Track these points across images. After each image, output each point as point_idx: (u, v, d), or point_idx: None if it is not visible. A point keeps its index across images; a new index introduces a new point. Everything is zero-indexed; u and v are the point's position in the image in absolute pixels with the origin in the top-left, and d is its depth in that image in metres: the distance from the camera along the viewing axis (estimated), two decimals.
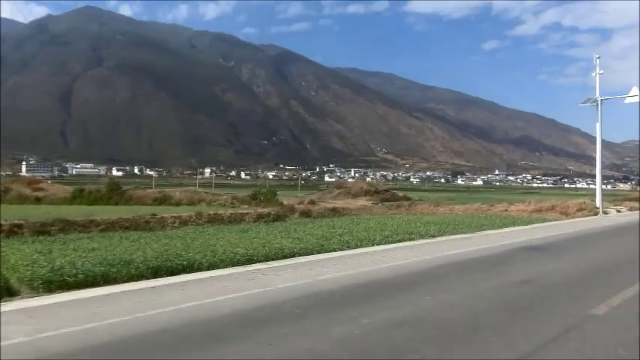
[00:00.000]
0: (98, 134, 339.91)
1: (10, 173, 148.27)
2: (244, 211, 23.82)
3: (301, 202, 27.93)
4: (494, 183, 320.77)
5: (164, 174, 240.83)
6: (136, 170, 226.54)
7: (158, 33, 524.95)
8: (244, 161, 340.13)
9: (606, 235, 19.13)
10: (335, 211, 26.95)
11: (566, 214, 26.89)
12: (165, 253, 10.54)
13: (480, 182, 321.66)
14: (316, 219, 23.78)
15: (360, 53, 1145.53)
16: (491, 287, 8.42)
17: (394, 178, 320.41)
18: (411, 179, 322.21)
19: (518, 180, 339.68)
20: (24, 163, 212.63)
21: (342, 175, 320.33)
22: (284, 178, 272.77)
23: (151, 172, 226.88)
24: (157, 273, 9.18)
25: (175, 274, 9.18)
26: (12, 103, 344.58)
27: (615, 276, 9.66)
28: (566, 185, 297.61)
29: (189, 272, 9.40)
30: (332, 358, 4.87)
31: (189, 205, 27.78)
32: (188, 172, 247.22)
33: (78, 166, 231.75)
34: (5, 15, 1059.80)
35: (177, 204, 27.87)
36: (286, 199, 30.82)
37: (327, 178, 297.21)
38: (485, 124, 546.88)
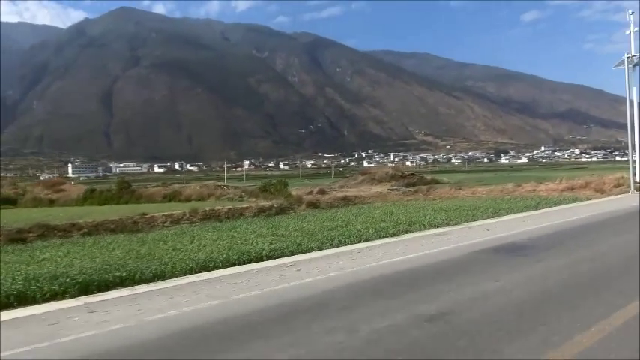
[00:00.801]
0: (140, 133, 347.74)
1: (57, 175, 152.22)
2: (245, 206, 22.19)
3: (310, 193, 25.92)
4: (540, 160, 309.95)
5: (204, 168, 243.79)
6: (177, 166, 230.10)
7: (191, 29, 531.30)
8: (283, 151, 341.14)
9: (623, 221, 15.25)
10: (346, 200, 25.02)
11: (601, 191, 24.24)
12: (107, 262, 8.93)
13: (524, 160, 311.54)
14: (324, 210, 22.15)
15: (395, 35, 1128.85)
16: (372, 331, 5.28)
17: (435, 161, 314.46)
18: (453, 161, 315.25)
19: (566, 155, 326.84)
20: (70, 165, 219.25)
21: (380, 161, 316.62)
22: (322, 166, 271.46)
23: (192, 168, 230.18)
24: (86, 289, 7.55)
25: (109, 289, 7.60)
26: (57, 108, 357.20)
27: (599, 296, 6.51)
28: (617, 158, 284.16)
29: (128, 285, 7.86)
30: None
31: (199, 200, 26.67)
32: (227, 166, 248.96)
33: (121, 165, 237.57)
34: (45, 22, 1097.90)
35: (187, 200, 26.87)
36: (297, 189, 28.85)
37: (365, 164, 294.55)
38: (528, 99, 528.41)
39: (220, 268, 8.99)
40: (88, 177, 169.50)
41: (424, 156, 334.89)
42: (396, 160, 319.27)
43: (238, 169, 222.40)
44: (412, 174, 49.43)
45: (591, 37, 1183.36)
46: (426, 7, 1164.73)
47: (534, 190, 25.72)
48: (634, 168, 28.83)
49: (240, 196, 26.41)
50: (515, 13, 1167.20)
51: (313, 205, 23.51)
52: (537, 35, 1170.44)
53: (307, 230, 13.48)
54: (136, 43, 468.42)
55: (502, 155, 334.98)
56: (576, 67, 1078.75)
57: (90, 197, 30.54)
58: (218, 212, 20.90)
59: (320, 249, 10.79)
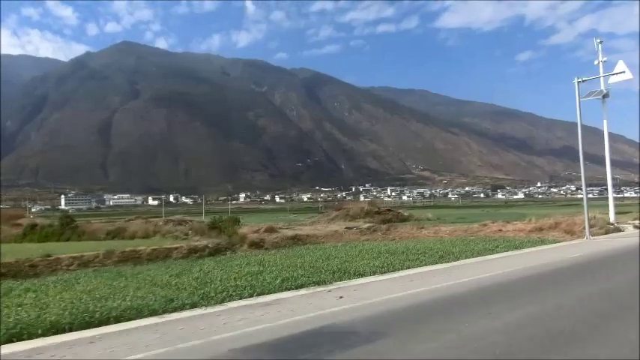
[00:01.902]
0: (137, 165, 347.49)
1: (50, 207, 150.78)
2: (175, 246, 20.25)
3: (257, 231, 24.57)
4: (536, 196, 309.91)
5: (198, 201, 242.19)
6: (171, 198, 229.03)
7: (192, 63, 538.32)
8: (280, 185, 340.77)
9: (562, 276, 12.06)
10: (295, 240, 23.35)
11: (571, 232, 22.93)
12: None
13: (521, 196, 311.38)
14: (267, 250, 20.69)
15: (393, 72, 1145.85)
16: None
17: (431, 196, 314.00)
18: (449, 195, 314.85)
19: (562, 191, 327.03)
20: (63, 196, 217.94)
21: (377, 195, 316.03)
22: (318, 200, 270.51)
23: (187, 200, 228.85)
24: None
25: None
26: (54, 139, 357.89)
27: None
28: (613, 195, 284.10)
29: None
30: None
31: (144, 238, 25.01)
32: (223, 198, 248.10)
33: (115, 196, 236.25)
34: (47, 54, 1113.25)
35: (132, 237, 25.18)
36: (252, 226, 27.23)
37: (362, 198, 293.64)
38: (524, 135, 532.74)
39: (37, 336, 7.36)
40: (80, 209, 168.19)
41: (421, 190, 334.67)
42: (393, 194, 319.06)
43: (233, 202, 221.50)
44: (388, 209, 47.87)
45: (585, 77, 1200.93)
46: (423, 46, 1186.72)
47: (500, 231, 24.26)
48: (612, 207, 28.32)
49: (186, 234, 24.83)
50: (510, 53, 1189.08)
51: (256, 244, 21.91)
52: (532, 74, 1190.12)
53: (209, 279, 11.98)
54: (136, 76, 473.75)
55: (498, 191, 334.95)
56: (571, 106, 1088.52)
57: (30, 233, 28.86)
58: (140, 253, 18.82)
59: (193, 306, 9.24)
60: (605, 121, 28.16)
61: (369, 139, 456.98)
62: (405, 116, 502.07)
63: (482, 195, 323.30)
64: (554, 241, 20.81)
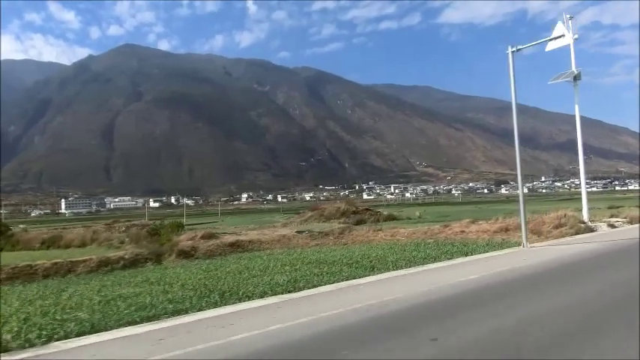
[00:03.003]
0: (140, 167, 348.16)
1: (49, 211, 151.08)
2: (83, 258, 17.67)
3: (193, 238, 22.78)
4: (540, 190, 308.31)
5: (200, 202, 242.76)
6: (172, 200, 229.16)
7: (194, 64, 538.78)
8: (283, 184, 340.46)
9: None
10: (235, 247, 21.45)
11: (538, 232, 20.51)
12: None
13: (525, 191, 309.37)
14: (198, 259, 18.85)
15: (396, 68, 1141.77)
16: None
17: (435, 192, 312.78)
18: (453, 192, 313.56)
19: (566, 185, 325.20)
20: (63, 200, 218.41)
21: (381, 192, 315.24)
22: (321, 198, 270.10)
23: (189, 201, 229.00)
24: None
25: None
26: (57, 143, 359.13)
27: None
28: (617, 188, 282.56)
29: None
30: None
31: (80, 247, 23.41)
32: (225, 199, 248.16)
33: (116, 199, 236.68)
34: (51, 59, 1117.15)
35: (68, 246, 23.49)
36: (188, 234, 24.77)
37: (365, 196, 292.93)
38: (528, 130, 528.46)
39: None
40: (79, 212, 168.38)
41: (424, 187, 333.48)
42: (396, 191, 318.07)
43: (235, 202, 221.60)
44: (366, 209, 46.18)
45: (589, 70, 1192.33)
46: (426, 42, 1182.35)
47: (462, 232, 21.96)
48: (586, 202, 24.61)
49: (122, 242, 23.24)
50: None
51: (186, 254, 19.79)
52: (536, 68, 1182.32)
53: (31, 311, 9.80)
54: (138, 78, 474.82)
55: (502, 186, 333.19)
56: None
57: None
58: (35, 268, 16.01)
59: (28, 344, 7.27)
60: (576, 106, 25.17)
61: (373, 137, 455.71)
62: (408, 113, 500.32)
63: (485, 190, 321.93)
64: (505, 245, 18.09)
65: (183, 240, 22.08)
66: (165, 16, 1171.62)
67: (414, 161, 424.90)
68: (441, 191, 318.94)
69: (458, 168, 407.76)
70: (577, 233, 20.64)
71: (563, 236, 19.73)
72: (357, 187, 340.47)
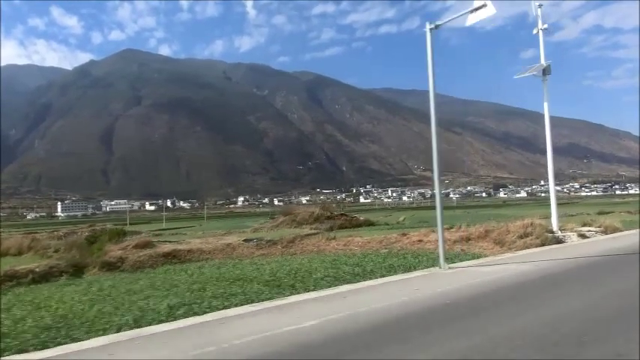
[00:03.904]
0: (138, 170, 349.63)
1: (45, 214, 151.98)
2: None
3: (125, 247, 20.67)
4: (539, 194, 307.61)
5: (196, 205, 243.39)
6: (168, 203, 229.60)
7: (194, 68, 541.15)
8: (281, 187, 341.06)
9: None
10: (170, 257, 19.50)
11: (501, 243, 18.52)
12: None
13: (523, 194, 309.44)
14: (124, 272, 17.12)
15: (395, 72, 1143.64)
16: None
17: (432, 196, 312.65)
18: (451, 195, 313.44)
19: (565, 190, 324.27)
20: (59, 203, 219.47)
21: (378, 196, 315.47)
22: (318, 202, 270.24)
23: (184, 204, 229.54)
24: None
25: None
26: (56, 147, 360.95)
27: None
28: (617, 192, 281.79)
29: None
30: None
31: (16, 255, 21.07)
32: (221, 202, 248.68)
33: (112, 202, 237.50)
34: (53, 64, 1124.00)
35: (4, 254, 20.98)
36: (130, 241, 22.93)
37: (362, 200, 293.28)
38: (527, 134, 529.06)
39: None
40: (75, 215, 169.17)
41: (422, 191, 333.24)
42: (394, 195, 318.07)
43: (231, 205, 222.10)
44: (342, 214, 43.07)
45: (590, 74, 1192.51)
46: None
47: (420, 241, 20.24)
48: (555, 208, 21.81)
49: (56, 250, 20.30)
50: (513, 51, 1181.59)
51: (110, 265, 17.66)
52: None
53: None
54: (138, 83, 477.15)
55: (501, 190, 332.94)
56: (576, 103, 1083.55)
57: None
58: None
59: None
60: (545, 104, 21.84)
61: (371, 141, 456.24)
62: (406, 117, 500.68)
63: (484, 194, 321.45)
64: (479, 256, 16.20)
65: (114, 250, 20.35)
66: (166, 21, 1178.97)
67: (412, 165, 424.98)
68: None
69: (456, 172, 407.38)
70: (543, 244, 18.39)
71: (527, 247, 17.68)
72: (354, 191, 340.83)
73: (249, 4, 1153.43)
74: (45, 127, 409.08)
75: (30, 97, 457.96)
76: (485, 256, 16.16)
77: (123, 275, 16.42)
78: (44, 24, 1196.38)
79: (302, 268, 14.35)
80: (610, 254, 14.93)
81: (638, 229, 22.65)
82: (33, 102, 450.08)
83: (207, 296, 10.71)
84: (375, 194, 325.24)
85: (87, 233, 30.11)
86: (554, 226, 20.99)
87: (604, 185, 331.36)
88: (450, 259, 14.93)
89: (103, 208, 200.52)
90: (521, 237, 18.96)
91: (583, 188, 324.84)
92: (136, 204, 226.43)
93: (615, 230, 22.40)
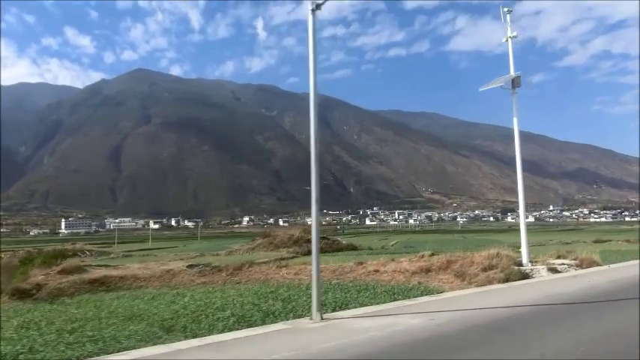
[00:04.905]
0: (145, 189, 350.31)
1: (48, 231, 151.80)
2: None
3: (48, 272, 18.87)
4: (547, 220, 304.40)
5: (200, 225, 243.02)
6: (173, 222, 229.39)
7: (204, 89, 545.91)
8: (287, 208, 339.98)
9: None
10: (99, 284, 17.63)
11: (463, 276, 16.61)
12: None
13: (531, 219, 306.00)
14: (39, 300, 15.54)
15: (403, 95, 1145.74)
16: None
17: (440, 219, 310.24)
18: (458, 219, 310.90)
19: (574, 215, 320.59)
20: (63, 220, 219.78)
21: (385, 218, 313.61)
22: (323, 223, 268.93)
23: (189, 223, 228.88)
24: None
25: None
26: (65, 164, 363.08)
27: None
28: (627, 219, 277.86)
29: None
30: None
31: None
32: (226, 222, 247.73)
33: (117, 220, 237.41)
34: (65, 82, 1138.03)
35: None
36: (63, 265, 20.60)
37: (367, 222, 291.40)
38: (536, 158, 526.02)
39: None
40: (77, 233, 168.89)
41: (429, 214, 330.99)
42: (401, 217, 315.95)
43: (236, 225, 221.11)
44: (323, 237, 42.38)
45: (599, 99, 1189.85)
46: (434, 69, 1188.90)
47: (377, 272, 18.49)
48: (525, 238, 19.16)
49: None
50: (522, 75, 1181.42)
51: (24, 293, 15.97)
52: (545, 96, 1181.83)
53: None
54: (148, 102, 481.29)
55: (509, 214, 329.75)
56: (584, 127, 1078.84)
57: None
58: None
59: None
60: (515, 119, 19.95)
61: (379, 162, 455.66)
62: (414, 139, 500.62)
63: (491, 219, 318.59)
64: (437, 291, 14.36)
65: (37, 275, 18.51)
66: (178, 42, 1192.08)
67: (419, 187, 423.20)
68: (446, 218, 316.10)
69: (464, 195, 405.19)
70: (507, 279, 16.15)
71: (489, 282, 15.67)
72: (360, 212, 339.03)
73: (260, 26, 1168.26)
74: (54, 144, 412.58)
75: (40, 115, 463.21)
76: (442, 291, 14.27)
77: (22, 306, 14.76)
78: (58, 44, 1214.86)
79: (215, 304, 12.85)
80: (562, 301, 11.67)
81: (616, 264, 21.00)
82: (43, 119, 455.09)
83: (65, 341, 9.30)
84: (382, 216, 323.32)
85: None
86: (525, 259, 18.71)
87: (613, 212, 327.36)
88: (394, 293, 13.33)
89: (107, 226, 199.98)
90: (485, 270, 17.01)
91: (592, 214, 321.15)
92: (141, 222, 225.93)
93: (592, 264, 19.92)
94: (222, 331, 9.65)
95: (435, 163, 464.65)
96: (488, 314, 10.16)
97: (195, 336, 9.31)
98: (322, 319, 9.76)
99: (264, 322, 10.21)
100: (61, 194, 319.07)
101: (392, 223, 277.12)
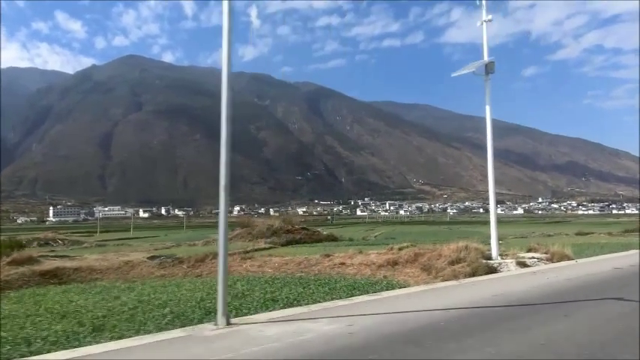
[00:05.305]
0: (135, 177, 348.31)
1: (35, 219, 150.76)
2: None
3: None
4: (536, 212, 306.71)
5: (190, 214, 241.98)
6: (162, 211, 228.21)
7: (195, 76, 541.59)
8: (279, 197, 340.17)
9: None
10: (51, 276, 16.54)
11: (428, 270, 16.02)
12: None
13: (520, 211, 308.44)
14: None
15: (397, 86, 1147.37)
16: None
17: (430, 210, 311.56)
18: (448, 210, 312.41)
19: (562, 207, 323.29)
20: (51, 207, 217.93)
21: (376, 209, 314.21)
22: (314, 213, 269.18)
23: (179, 212, 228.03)
24: None
25: None
26: (54, 150, 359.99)
27: None
28: (614, 212, 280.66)
29: None
30: None
31: None
32: (216, 211, 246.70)
33: (106, 208, 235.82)
34: (55, 67, 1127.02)
35: None
36: (16, 255, 19.13)
37: (358, 212, 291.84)
38: (527, 151, 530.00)
39: None
40: (66, 221, 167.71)
41: (420, 205, 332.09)
42: (391, 207, 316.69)
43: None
44: (303, 228, 40.53)
45: (590, 93, 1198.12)
46: (428, 61, 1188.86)
47: (343, 264, 17.83)
48: (495, 230, 17.66)
49: None
50: (515, 68, 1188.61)
51: None
52: (537, 89, 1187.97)
53: None
54: (139, 89, 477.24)
55: (498, 206, 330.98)
56: (575, 121, 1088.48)
57: None
58: None
59: None
60: (487, 107, 18.35)
61: (370, 153, 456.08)
62: (406, 130, 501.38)
63: (481, 210, 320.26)
64: (398, 285, 13.53)
65: None
66: (170, 28, 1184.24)
67: (410, 178, 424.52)
68: (437, 209, 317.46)
69: (455, 186, 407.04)
70: (473, 273, 15.29)
71: (455, 276, 14.85)
72: (352, 203, 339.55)
73: (254, 14, 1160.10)
74: (44, 130, 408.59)
75: (30, 100, 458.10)
76: (408, 285, 13.46)
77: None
78: (48, 28, 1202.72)
79: (160, 300, 11.97)
80: (505, 302, 10.29)
81: (586, 259, 19.66)
82: (33, 105, 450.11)
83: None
84: (373, 207, 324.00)
85: None
86: (494, 252, 17.72)
87: (601, 204, 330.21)
88: (333, 290, 12.46)
89: (96, 214, 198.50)
90: (452, 263, 16.27)
91: (580, 207, 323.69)
92: (130, 210, 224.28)
93: (563, 258, 18.85)
94: (152, 332, 8.79)
95: (427, 154, 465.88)
96: (415, 319, 9.06)
97: (120, 337, 8.48)
98: (229, 325, 8.45)
99: (200, 321, 9.39)
100: (49, 181, 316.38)
101: (383, 213, 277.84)
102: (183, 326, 8.91)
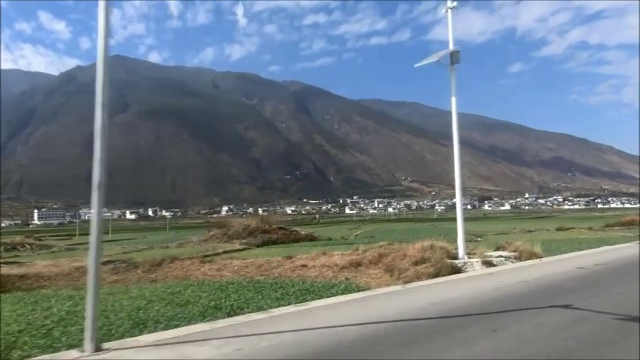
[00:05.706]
0: (123, 178, 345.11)
1: (19, 222, 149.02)
2: None
3: None
4: (523, 207, 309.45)
5: (178, 214, 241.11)
6: (150, 212, 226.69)
7: (182, 76, 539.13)
8: (268, 197, 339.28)
9: None
10: None
11: (392, 271, 15.28)
12: None
13: (507, 207, 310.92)
14: None
15: (385, 84, 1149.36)
16: None
17: (418, 207, 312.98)
18: (436, 207, 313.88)
19: (548, 203, 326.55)
20: (36, 210, 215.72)
21: (364, 207, 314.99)
22: (303, 212, 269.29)
23: (166, 213, 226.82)
24: None
25: None
26: (38, 153, 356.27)
27: None
28: (600, 206, 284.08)
29: None
30: None
31: None
32: (204, 212, 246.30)
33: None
34: (39, 69, 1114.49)
35: None
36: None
37: (347, 211, 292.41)
38: (513, 147, 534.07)
39: None
40: (51, 224, 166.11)
41: (408, 202, 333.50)
42: (380, 205, 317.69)
43: (214, 215, 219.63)
44: (280, 228, 40.04)
45: (576, 89, 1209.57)
46: (415, 58, 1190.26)
47: (304, 266, 17.05)
48: (461, 226, 16.57)
49: None
50: (501, 65, 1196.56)
51: None
52: (523, 86, 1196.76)
53: None
54: (125, 89, 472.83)
55: (486, 202, 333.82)
56: (561, 117, 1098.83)
57: None
58: None
59: None
60: (453, 99, 17.50)
61: (359, 151, 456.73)
62: (394, 128, 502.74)
63: (469, 207, 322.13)
64: (353, 290, 12.17)
65: None
66: (156, 27, 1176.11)
67: (399, 176, 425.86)
68: (425, 207, 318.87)
69: (443, 183, 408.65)
70: (437, 274, 14.47)
71: (418, 277, 14.07)
72: (340, 201, 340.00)
73: (241, 13, 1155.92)
74: (28, 132, 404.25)
75: (14, 102, 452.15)
76: (367, 288, 12.33)
77: None
78: (31, 28, 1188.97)
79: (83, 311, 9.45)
80: (440, 313, 8.54)
81: (554, 256, 18.82)
82: (17, 107, 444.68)
83: None
84: (362, 205, 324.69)
85: None
86: (461, 251, 16.78)
87: (587, 199, 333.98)
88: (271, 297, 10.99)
89: (82, 217, 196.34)
90: (416, 263, 15.41)
91: (566, 202, 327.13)
92: (117, 212, 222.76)
93: (531, 256, 18.02)
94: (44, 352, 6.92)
95: (415, 152, 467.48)
96: (320, 339, 7.14)
97: (27, 356, 6.72)
98: (99, 350, 6.56)
99: (123, 337, 7.63)
100: (35, 184, 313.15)
101: (371, 211, 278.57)
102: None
